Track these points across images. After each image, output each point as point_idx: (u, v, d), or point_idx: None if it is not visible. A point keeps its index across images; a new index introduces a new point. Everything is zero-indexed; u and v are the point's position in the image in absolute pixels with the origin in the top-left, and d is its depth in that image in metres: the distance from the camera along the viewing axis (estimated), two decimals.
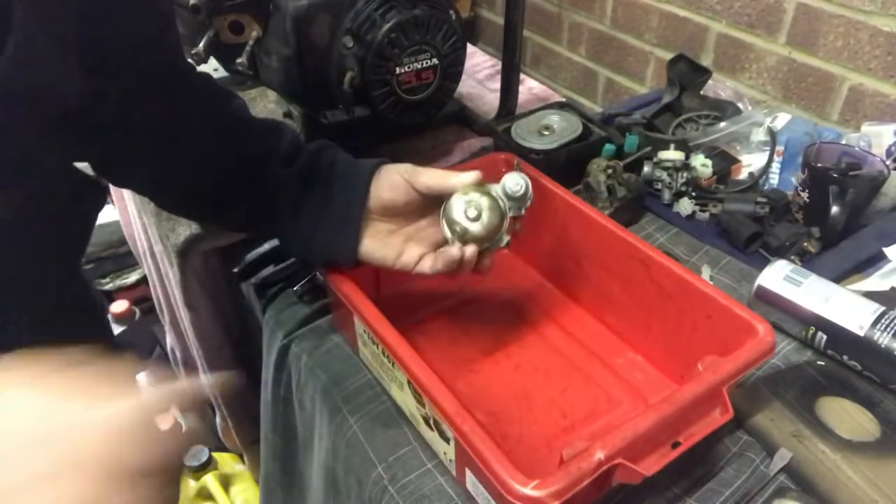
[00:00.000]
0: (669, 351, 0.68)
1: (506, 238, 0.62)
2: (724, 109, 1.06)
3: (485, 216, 0.59)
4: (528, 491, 0.46)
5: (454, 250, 0.59)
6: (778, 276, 0.73)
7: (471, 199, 0.59)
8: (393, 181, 0.62)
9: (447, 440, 0.57)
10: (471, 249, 0.60)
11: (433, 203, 0.62)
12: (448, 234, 0.60)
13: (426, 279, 0.63)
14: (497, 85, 1.06)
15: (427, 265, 0.62)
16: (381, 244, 0.63)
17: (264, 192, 0.63)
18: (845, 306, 0.68)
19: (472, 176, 0.60)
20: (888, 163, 0.88)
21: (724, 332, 0.60)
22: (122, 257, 1.68)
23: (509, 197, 0.60)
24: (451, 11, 0.88)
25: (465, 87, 1.23)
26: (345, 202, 0.62)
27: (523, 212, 0.62)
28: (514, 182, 0.60)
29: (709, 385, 0.54)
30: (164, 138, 0.61)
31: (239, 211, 0.65)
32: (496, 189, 0.61)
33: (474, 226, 0.59)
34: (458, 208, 0.59)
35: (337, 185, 0.63)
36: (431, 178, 0.61)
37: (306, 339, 0.75)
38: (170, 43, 0.60)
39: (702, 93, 1.09)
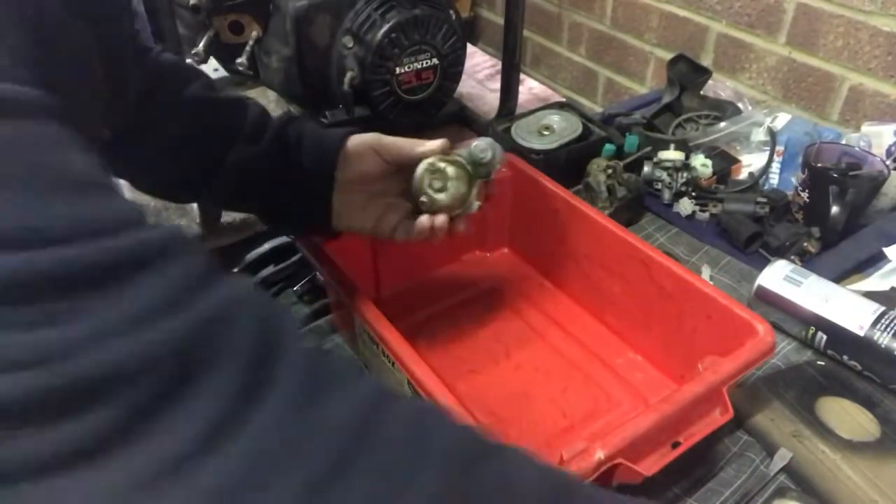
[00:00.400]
0: (669, 351, 0.68)
1: (476, 203, 0.61)
2: (724, 109, 1.06)
3: (450, 185, 0.58)
4: None
5: (423, 220, 0.60)
6: (778, 276, 0.73)
7: (436, 170, 0.58)
8: (362, 152, 0.62)
9: None
10: (440, 219, 0.60)
11: (407, 169, 0.62)
12: (415, 201, 0.60)
13: (427, 270, 0.63)
14: (497, 85, 1.06)
15: (402, 232, 0.63)
16: (357, 214, 0.63)
17: (232, 170, 0.62)
18: (845, 306, 0.68)
19: (438, 144, 0.60)
20: (888, 163, 0.88)
21: (724, 332, 0.60)
22: None
23: (477, 163, 0.59)
24: (451, 11, 0.89)
25: (465, 87, 1.23)
26: (314, 176, 0.62)
27: (493, 176, 0.61)
28: (481, 149, 0.59)
29: (709, 385, 0.54)
30: (132, 126, 0.60)
31: (213, 190, 0.64)
32: (464, 155, 0.60)
33: (440, 196, 0.59)
34: (424, 180, 0.59)
35: (305, 159, 0.63)
36: (398, 147, 0.61)
37: (306, 339, 0.75)
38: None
39: (702, 93, 1.09)
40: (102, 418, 0.25)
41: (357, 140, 0.62)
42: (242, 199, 0.65)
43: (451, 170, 0.58)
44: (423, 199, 0.59)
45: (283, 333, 0.31)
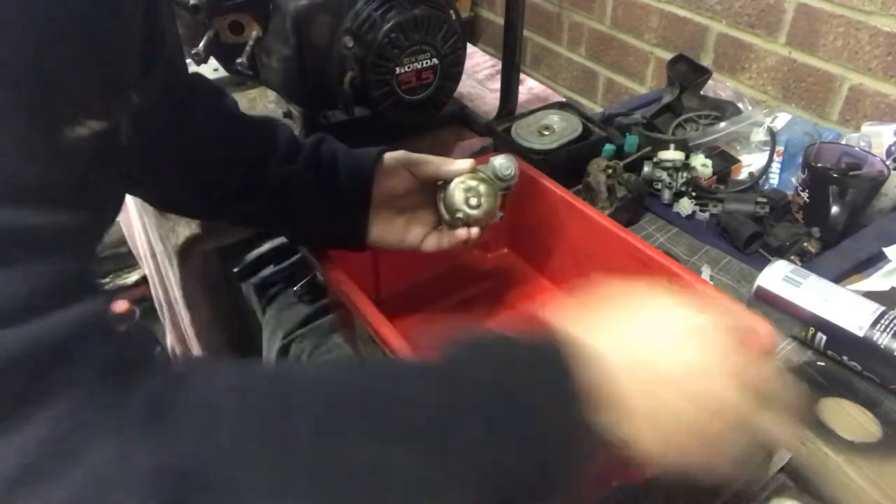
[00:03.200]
0: None
1: (499, 214, 0.67)
2: (724, 109, 1.06)
3: (484, 202, 0.64)
4: None
5: (462, 233, 0.65)
6: (777, 277, 0.72)
7: (470, 187, 0.64)
8: (394, 170, 0.66)
9: None
10: (475, 231, 0.66)
11: (429, 186, 0.67)
12: (447, 217, 0.65)
13: (427, 270, 0.64)
14: (497, 85, 1.06)
15: (433, 244, 0.67)
16: (387, 229, 0.67)
17: (268, 189, 0.64)
18: (844, 307, 0.68)
19: (468, 164, 0.65)
20: (888, 163, 0.88)
21: None
22: (122, 257, 1.68)
23: (500, 178, 0.66)
24: (451, 11, 0.88)
25: (465, 87, 1.23)
26: (351, 193, 0.65)
27: (511, 188, 0.67)
28: (505, 166, 0.65)
29: None
30: (168, 142, 0.61)
31: (245, 209, 0.66)
32: (487, 171, 0.66)
33: (476, 212, 0.64)
34: (459, 197, 0.64)
35: (342, 177, 0.65)
36: (430, 165, 0.66)
37: (306, 339, 0.75)
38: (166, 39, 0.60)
39: (702, 93, 1.09)
40: None
41: (389, 157, 0.66)
42: (275, 217, 0.67)
43: (483, 187, 0.64)
44: (460, 214, 0.64)
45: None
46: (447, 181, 0.65)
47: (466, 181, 0.64)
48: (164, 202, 0.70)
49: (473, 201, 0.64)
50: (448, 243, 0.67)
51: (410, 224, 0.68)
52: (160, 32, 0.47)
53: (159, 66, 0.47)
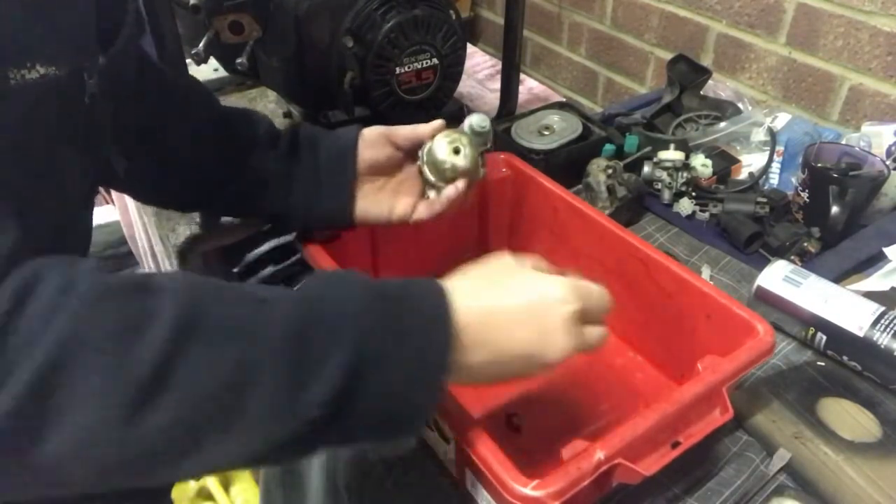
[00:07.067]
0: (669, 351, 0.68)
1: (482, 170, 0.68)
2: (724, 109, 1.06)
3: (467, 150, 0.65)
4: (528, 491, 0.46)
5: (451, 191, 0.65)
6: (777, 277, 0.72)
7: (452, 139, 0.65)
8: (374, 141, 0.67)
9: (447, 440, 0.56)
10: (461, 184, 0.65)
11: (407, 158, 0.68)
12: (431, 176, 0.66)
13: (426, 268, 0.64)
14: (497, 85, 1.06)
15: (424, 211, 0.67)
16: (373, 203, 0.67)
17: (254, 174, 0.66)
18: (844, 307, 0.68)
19: (441, 122, 0.66)
20: (888, 163, 0.88)
21: (723, 332, 0.60)
22: (122, 257, 1.68)
23: (476, 133, 0.66)
24: (451, 11, 0.88)
25: (465, 87, 1.23)
26: (334, 168, 0.66)
27: (489, 145, 0.69)
28: (481, 119, 0.66)
29: (708, 385, 0.54)
30: (148, 137, 0.62)
31: (229, 197, 0.67)
32: (465, 129, 0.67)
33: (460, 160, 0.65)
34: (442, 148, 0.65)
35: (323, 154, 0.66)
36: (408, 130, 0.67)
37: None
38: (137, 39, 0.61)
39: (702, 93, 1.09)
40: None
41: (369, 131, 0.67)
42: (260, 201, 0.67)
43: (464, 139, 0.65)
44: (446, 165, 0.65)
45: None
46: (428, 143, 0.66)
47: (451, 134, 0.65)
48: (149, 196, 0.71)
49: (458, 151, 0.65)
50: (440, 206, 0.66)
51: (397, 196, 0.68)
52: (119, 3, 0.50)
53: (122, 33, 0.49)
